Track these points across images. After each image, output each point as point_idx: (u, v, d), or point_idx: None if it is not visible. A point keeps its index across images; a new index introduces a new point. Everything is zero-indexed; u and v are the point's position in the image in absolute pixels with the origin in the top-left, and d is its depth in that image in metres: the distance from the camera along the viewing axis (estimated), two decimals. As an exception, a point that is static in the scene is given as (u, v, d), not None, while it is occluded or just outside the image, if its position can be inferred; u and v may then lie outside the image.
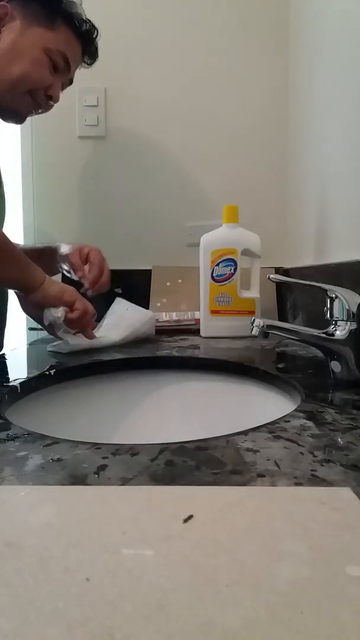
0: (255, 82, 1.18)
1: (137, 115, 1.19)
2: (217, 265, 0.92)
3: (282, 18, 1.15)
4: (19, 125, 1.14)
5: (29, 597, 0.18)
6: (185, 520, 0.23)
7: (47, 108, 0.87)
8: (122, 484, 0.27)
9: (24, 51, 0.78)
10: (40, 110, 0.86)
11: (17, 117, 0.86)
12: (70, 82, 0.90)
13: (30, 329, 1.18)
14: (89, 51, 0.88)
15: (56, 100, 0.85)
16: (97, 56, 0.91)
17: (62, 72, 0.84)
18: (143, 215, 1.21)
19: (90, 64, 0.91)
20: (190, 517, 0.23)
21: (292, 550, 0.21)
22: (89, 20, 0.85)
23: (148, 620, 0.17)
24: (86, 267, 0.88)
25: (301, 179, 1.07)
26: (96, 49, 0.89)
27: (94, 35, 0.87)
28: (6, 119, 0.87)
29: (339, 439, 0.34)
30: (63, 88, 0.89)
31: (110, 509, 0.24)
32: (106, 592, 0.18)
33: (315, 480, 0.28)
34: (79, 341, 0.76)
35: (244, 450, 0.32)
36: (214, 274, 0.93)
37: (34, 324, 1.19)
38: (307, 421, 0.39)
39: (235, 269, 0.92)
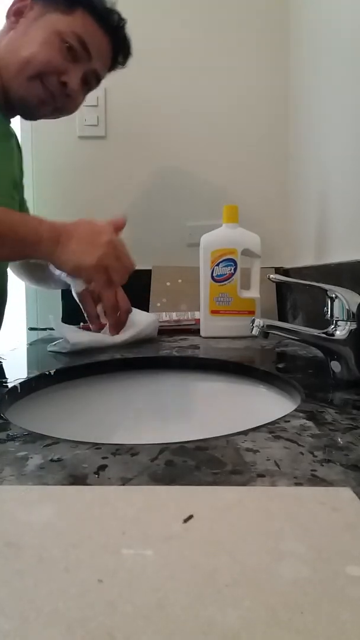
0: (256, 82, 1.18)
1: (137, 115, 1.19)
2: (217, 265, 0.92)
3: (283, 18, 1.15)
4: (18, 126, 1.15)
5: (29, 597, 0.18)
6: (185, 520, 0.23)
7: (64, 100, 0.78)
8: (122, 484, 0.27)
9: (35, 35, 0.74)
10: (56, 103, 0.78)
11: (26, 107, 0.78)
12: (97, 78, 0.81)
13: (31, 328, 1.18)
14: (119, 46, 0.81)
15: (72, 89, 0.76)
16: (130, 53, 0.83)
17: (81, 59, 0.76)
18: (143, 215, 1.21)
19: (124, 63, 0.84)
20: (190, 517, 0.23)
21: (292, 550, 0.20)
22: (116, 11, 0.79)
23: (148, 620, 0.17)
24: (99, 307, 0.80)
25: (301, 179, 1.07)
26: (128, 45, 0.82)
27: (121, 26, 0.80)
28: (19, 112, 0.81)
29: (339, 439, 0.34)
30: (89, 83, 0.81)
31: (110, 509, 0.24)
32: (106, 592, 0.18)
33: (315, 480, 0.28)
34: (79, 340, 0.76)
35: (244, 450, 0.32)
36: (214, 274, 0.93)
37: (34, 324, 1.20)
38: (307, 421, 0.39)
39: (235, 269, 0.92)
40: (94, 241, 0.61)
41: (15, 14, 0.76)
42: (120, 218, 0.69)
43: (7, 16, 0.77)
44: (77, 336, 0.77)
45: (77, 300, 0.83)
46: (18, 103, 0.77)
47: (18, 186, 0.90)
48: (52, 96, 0.76)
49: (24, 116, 0.82)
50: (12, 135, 0.87)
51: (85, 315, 0.81)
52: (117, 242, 0.63)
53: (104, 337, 0.80)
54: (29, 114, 0.81)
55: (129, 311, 0.81)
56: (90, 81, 0.81)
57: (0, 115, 0.80)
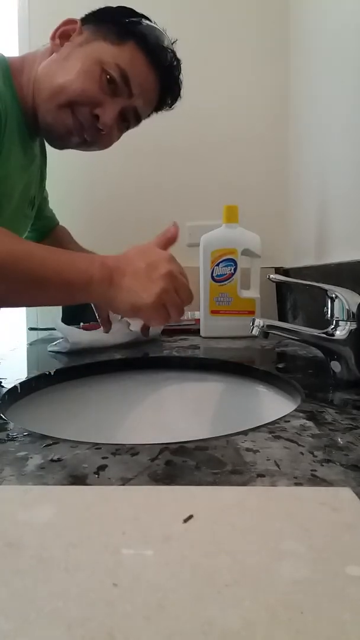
0: (256, 82, 1.18)
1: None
2: (217, 265, 0.93)
3: (283, 18, 1.15)
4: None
5: (29, 597, 0.18)
6: (185, 520, 0.23)
7: (95, 134, 0.72)
8: (122, 484, 0.27)
9: (75, 61, 0.68)
10: (85, 136, 0.72)
11: (51, 135, 0.74)
12: (137, 116, 0.75)
13: (31, 328, 1.18)
14: (167, 87, 0.75)
15: (104, 123, 0.70)
16: (179, 96, 0.77)
17: (121, 94, 0.70)
18: (143, 215, 1.21)
19: (171, 105, 0.78)
20: (190, 517, 0.23)
21: (292, 550, 0.20)
22: (171, 50, 0.74)
23: (148, 620, 0.17)
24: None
25: (301, 179, 1.07)
26: (179, 87, 0.76)
27: (174, 66, 0.74)
28: (47, 138, 0.77)
29: (339, 439, 0.34)
30: (127, 120, 0.75)
31: (110, 509, 0.24)
32: (106, 592, 0.18)
33: (315, 480, 0.28)
34: (79, 339, 0.76)
35: (244, 450, 0.32)
36: (214, 274, 0.93)
37: (34, 324, 1.20)
38: (307, 421, 0.39)
39: (235, 269, 0.93)
40: (151, 275, 0.54)
41: (62, 36, 0.72)
42: (171, 229, 0.62)
43: (52, 37, 0.72)
44: (78, 335, 0.77)
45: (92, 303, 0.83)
46: (44, 130, 0.73)
47: (34, 201, 0.87)
48: (80, 127, 0.71)
49: (49, 144, 0.78)
50: (35, 156, 0.82)
51: (97, 317, 0.82)
52: (175, 273, 0.55)
53: (105, 337, 0.80)
54: (54, 143, 0.77)
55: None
56: (129, 118, 0.75)
57: (26, 136, 0.75)
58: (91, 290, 0.54)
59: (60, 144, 0.76)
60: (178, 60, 0.75)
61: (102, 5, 0.75)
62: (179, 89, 0.77)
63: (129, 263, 0.55)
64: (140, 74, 0.71)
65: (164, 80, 0.74)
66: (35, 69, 0.71)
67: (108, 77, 0.68)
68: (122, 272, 0.54)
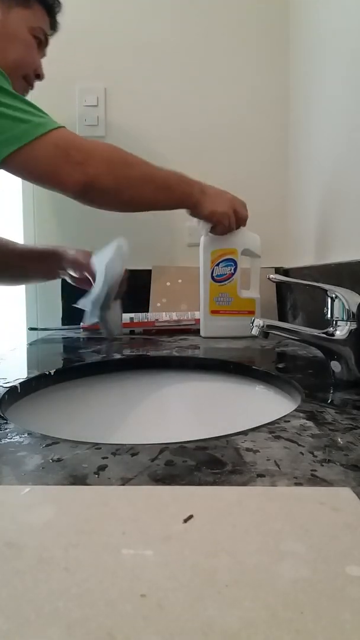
0: (256, 82, 1.18)
1: (137, 115, 1.19)
2: (217, 265, 0.92)
3: (283, 16, 1.15)
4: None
5: (29, 597, 0.18)
6: (185, 520, 0.23)
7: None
8: (122, 484, 0.27)
9: (14, 35, 0.80)
10: (32, 89, 0.88)
11: None
12: (44, 55, 0.91)
13: (31, 328, 1.18)
14: (52, 23, 0.90)
15: (44, 76, 0.87)
16: (59, 26, 0.91)
17: (43, 49, 0.87)
18: (143, 215, 1.20)
19: (51, 35, 0.92)
20: (190, 517, 0.23)
21: (292, 550, 0.20)
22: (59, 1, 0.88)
23: (148, 620, 0.17)
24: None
25: (301, 179, 1.07)
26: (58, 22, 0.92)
27: (58, 8, 0.90)
28: None
29: (339, 439, 0.34)
30: None
31: (110, 509, 0.24)
32: (106, 592, 0.18)
33: (315, 480, 0.28)
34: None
35: (244, 450, 0.32)
36: (214, 274, 0.93)
37: (34, 324, 1.20)
38: (307, 421, 0.39)
39: (235, 269, 0.92)
40: (223, 196, 0.86)
41: None
42: None
43: None
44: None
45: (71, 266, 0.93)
46: None
47: None
48: (30, 87, 0.88)
49: None
50: None
51: (74, 280, 0.93)
52: (237, 199, 0.88)
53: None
54: None
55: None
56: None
57: None
58: (191, 200, 0.82)
59: None
60: (61, 5, 0.89)
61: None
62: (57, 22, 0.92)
63: (209, 187, 0.85)
64: (48, 26, 0.87)
65: (52, 20, 0.89)
66: None
67: (38, 41, 0.84)
68: (207, 191, 0.84)
